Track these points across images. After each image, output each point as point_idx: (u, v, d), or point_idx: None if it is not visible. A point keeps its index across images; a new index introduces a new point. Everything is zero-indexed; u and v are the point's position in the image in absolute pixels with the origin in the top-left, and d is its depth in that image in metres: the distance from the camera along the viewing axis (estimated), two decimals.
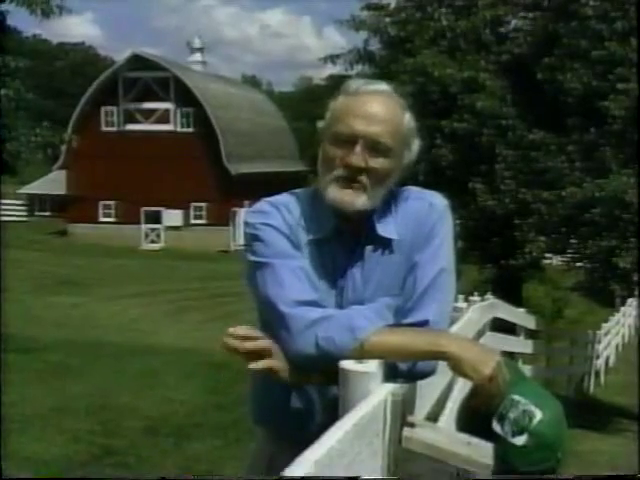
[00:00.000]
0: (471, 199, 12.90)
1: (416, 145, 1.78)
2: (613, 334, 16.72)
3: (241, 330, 1.60)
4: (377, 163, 1.69)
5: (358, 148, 1.67)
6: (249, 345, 1.59)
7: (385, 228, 1.75)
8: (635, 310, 21.30)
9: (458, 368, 1.56)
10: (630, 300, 20.68)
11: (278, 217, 1.75)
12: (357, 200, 1.69)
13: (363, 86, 1.74)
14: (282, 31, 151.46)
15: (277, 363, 1.62)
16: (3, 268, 11.68)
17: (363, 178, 1.68)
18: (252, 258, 1.73)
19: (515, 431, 1.51)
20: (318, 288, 1.70)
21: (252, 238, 1.74)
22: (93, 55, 68.74)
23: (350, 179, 1.68)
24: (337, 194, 1.69)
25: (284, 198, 1.81)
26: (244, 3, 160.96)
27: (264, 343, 1.61)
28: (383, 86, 1.76)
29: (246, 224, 1.78)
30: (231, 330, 1.60)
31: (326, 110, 1.78)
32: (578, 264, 13.35)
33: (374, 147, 1.68)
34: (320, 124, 1.79)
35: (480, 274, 15.99)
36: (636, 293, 19.09)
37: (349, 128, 1.68)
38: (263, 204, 1.80)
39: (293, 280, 1.67)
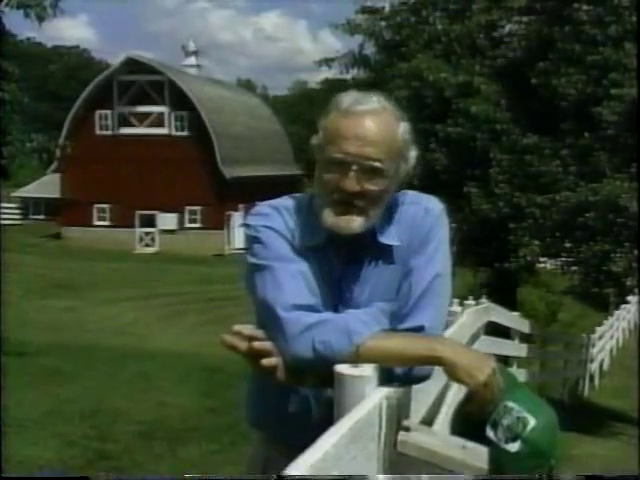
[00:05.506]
0: (465, 203, 12.90)
1: (412, 154, 1.76)
2: (607, 338, 16.75)
3: (247, 330, 1.61)
4: (373, 185, 1.66)
5: (352, 172, 1.65)
6: (257, 345, 1.60)
7: (386, 235, 1.74)
8: (629, 314, 21.34)
9: (453, 374, 1.56)
10: (624, 305, 20.73)
11: (279, 220, 1.74)
12: (353, 224, 1.68)
13: (354, 105, 1.68)
14: (277, 34, 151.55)
15: (281, 362, 1.62)
16: (3, 272, 11.63)
17: (359, 202, 1.67)
18: (252, 260, 1.72)
19: (508, 437, 1.51)
20: (316, 293, 1.70)
21: (252, 240, 1.74)
22: (88, 58, 68.62)
23: (346, 203, 1.67)
24: (333, 220, 1.68)
25: (285, 201, 1.80)
26: (239, 6, 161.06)
27: (269, 345, 1.62)
28: (374, 103, 1.69)
29: (247, 226, 1.76)
30: (237, 328, 1.61)
31: (319, 126, 1.73)
32: (572, 268, 13.35)
33: (369, 169, 1.65)
34: (314, 140, 1.75)
35: (475, 278, 16.00)
36: (629, 297, 19.12)
37: (341, 152, 1.65)
38: (264, 207, 1.78)
39: (292, 284, 1.66)
